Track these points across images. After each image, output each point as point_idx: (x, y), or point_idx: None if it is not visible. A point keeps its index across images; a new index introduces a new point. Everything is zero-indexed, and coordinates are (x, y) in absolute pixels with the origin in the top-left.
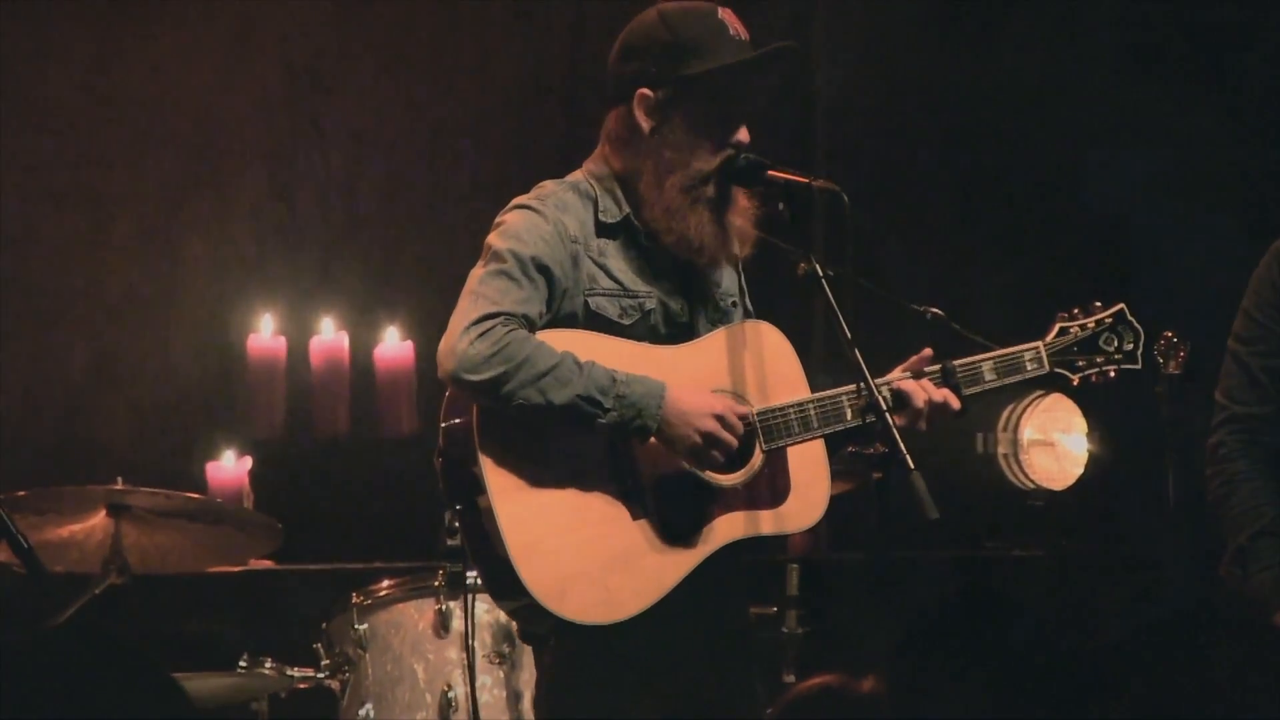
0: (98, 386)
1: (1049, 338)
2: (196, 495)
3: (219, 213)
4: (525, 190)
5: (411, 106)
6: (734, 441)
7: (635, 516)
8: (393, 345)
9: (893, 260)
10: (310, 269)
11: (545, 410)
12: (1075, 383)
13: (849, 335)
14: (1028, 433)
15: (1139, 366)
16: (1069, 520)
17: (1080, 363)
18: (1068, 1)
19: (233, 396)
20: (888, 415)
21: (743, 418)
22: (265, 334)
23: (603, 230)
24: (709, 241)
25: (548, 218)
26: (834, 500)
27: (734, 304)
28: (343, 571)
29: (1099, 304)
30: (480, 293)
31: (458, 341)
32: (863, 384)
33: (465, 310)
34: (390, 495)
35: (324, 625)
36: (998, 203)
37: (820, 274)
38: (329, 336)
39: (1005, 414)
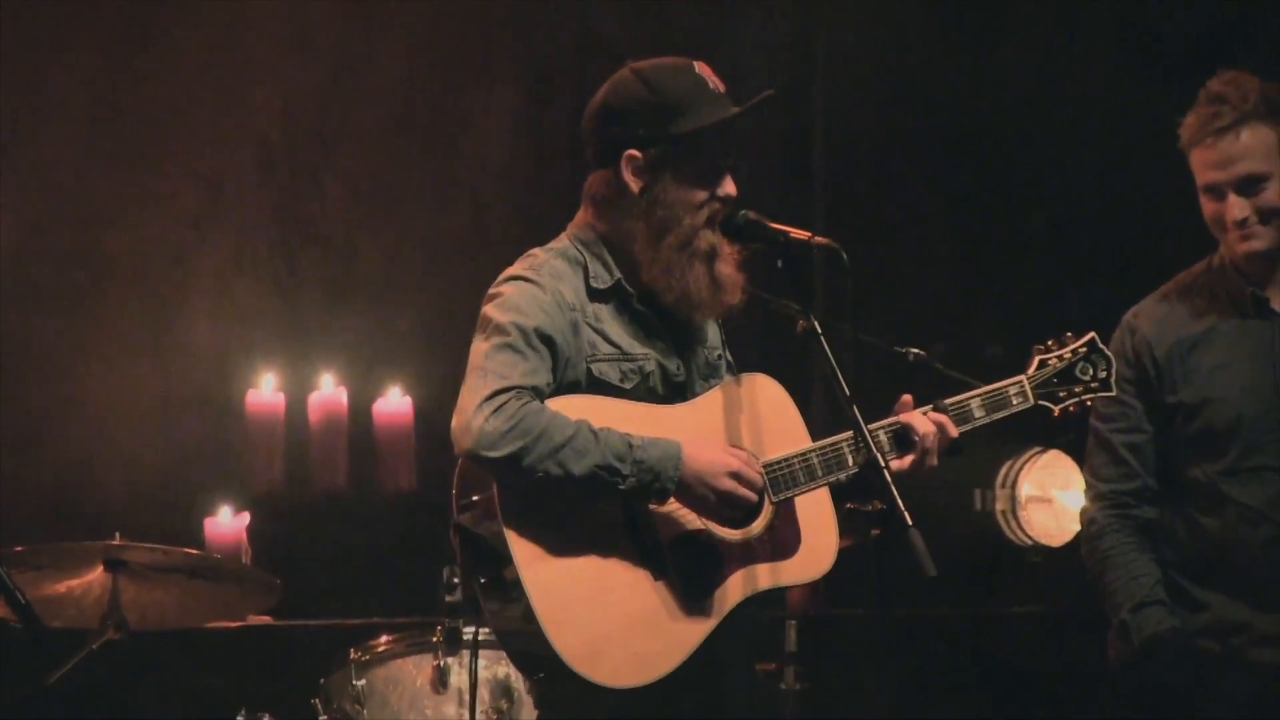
0: (96, 442)
1: (1030, 371)
2: (194, 551)
3: (218, 268)
4: (528, 245)
5: (412, 163)
6: (752, 497)
7: (656, 577)
8: (392, 401)
9: (892, 271)
10: (310, 324)
11: (565, 481)
12: (1056, 414)
13: (847, 392)
14: (1025, 489)
15: (1114, 393)
16: (1067, 577)
17: (1061, 394)
18: (1068, 3)
19: (231, 452)
20: (885, 472)
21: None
22: (265, 391)
23: (595, 296)
24: (708, 295)
25: (545, 288)
26: (860, 546)
27: (719, 357)
28: (341, 627)
29: (1070, 334)
30: (488, 368)
31: (472, 419)
32: (860, 440)
33: (475, 387)
34: (388, 551)
35: (322, 681)
36: (999, 208)
37: (819, 331)
38: (328, 391)
39: (1003, 471)
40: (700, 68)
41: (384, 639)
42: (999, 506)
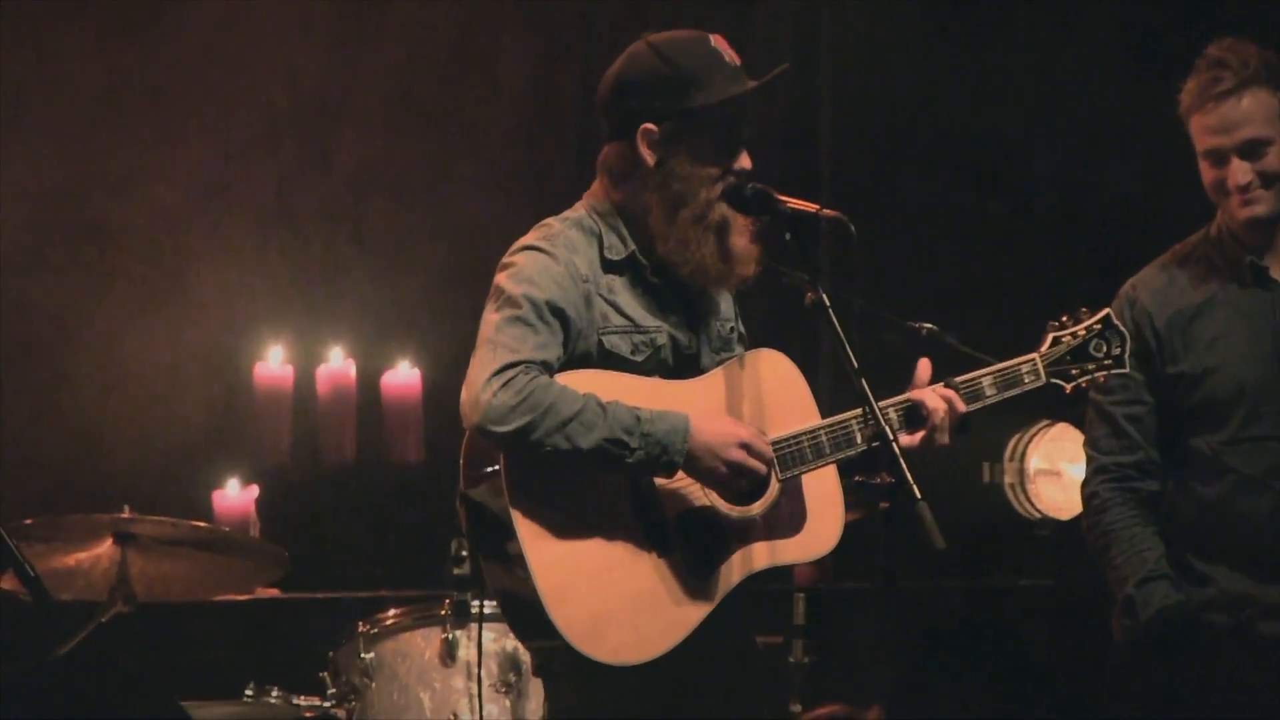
0: (104, 415)
1: (1044, 349)
2: (203, 524)
3: (226, 240)
4: (535, 219)
5: (419, 135)
6: (761, 468)
7: (660, 555)
8: (400, 374)
9: (895, 260)
10: (318, 297)
11: (573, 455)
12: (1069, 391)
13: (855, 364)
14: (1034, 462)
15: (1126, 370)
16: (1075, 550)
17: (1074, 371)
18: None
19: (239, 424)
20: (894, 445)
21: None
22: (273, 363)
23: (609, 267)
24: (723, 268)
25: (559, 259)
26: (865, 519)
27: (732, 330)
28: (349, 600)
29: (1085, 309)
30: (498, 341)
31: (481, 393)
32: (868, 413)
33: (485, 360)
34: (397, 524)
35: (330, 654)
36: (1004, 184)
37: (827, 304)
38: (336, 364)
39: (1011, 444)
40: (716, 40)
41: (392, 612)
42: (1007, 480)
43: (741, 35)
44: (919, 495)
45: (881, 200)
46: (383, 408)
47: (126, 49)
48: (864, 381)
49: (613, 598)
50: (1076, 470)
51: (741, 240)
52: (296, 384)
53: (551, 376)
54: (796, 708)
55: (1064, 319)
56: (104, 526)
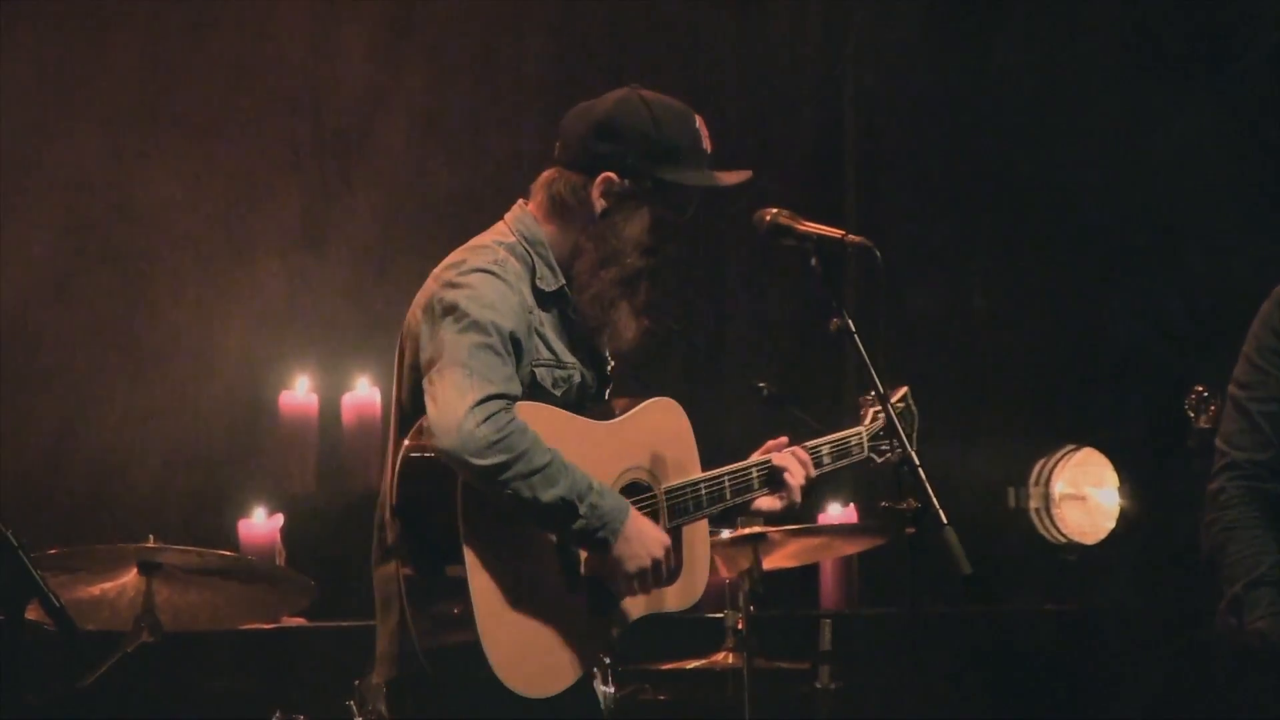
0: (129, 444)
1: (867, 423)
2: (228, 553)
3: (251, 269)
4: None
5: (443, 162)
6: (663, 573)
7: (571, 589)
8: None
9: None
10: (343, 326)
11: (529, 505)
12: (879, 464)
13: (882, 390)
14: (1059, 487)
15: (915, 449)
16: (1100, 574)
17: (884, 446)
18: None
19: (265, 453)
20: (920, 470)
21: (652, 497)
22: (299, 392)
23: (540, 299)
24: (629, 337)
25: (513, 288)
26: (867, 555)
27: (611, 369)
28: (374, 628)
29: (890, 387)
30: (474, 368)
31: (463, 420)
32: (893, 437)
33: (461, 384)
34: None
35: (356, 682)
36: (1031, 200)
37: (853, 329)
38: (362, 392)
39: (1037, 468)
40: (699, 121)
41: None
42: (1033, 504)
43: (763, 54)
44: (945, 520)
45: (908, 227)
46: None
47: (151, 78)
48: (890, 406)
49: (532, 631)
50: (1101, 494)
51: (643, 319)
52: (322, 412)
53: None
54: None
55: (869, 395)
56: (129, 556)
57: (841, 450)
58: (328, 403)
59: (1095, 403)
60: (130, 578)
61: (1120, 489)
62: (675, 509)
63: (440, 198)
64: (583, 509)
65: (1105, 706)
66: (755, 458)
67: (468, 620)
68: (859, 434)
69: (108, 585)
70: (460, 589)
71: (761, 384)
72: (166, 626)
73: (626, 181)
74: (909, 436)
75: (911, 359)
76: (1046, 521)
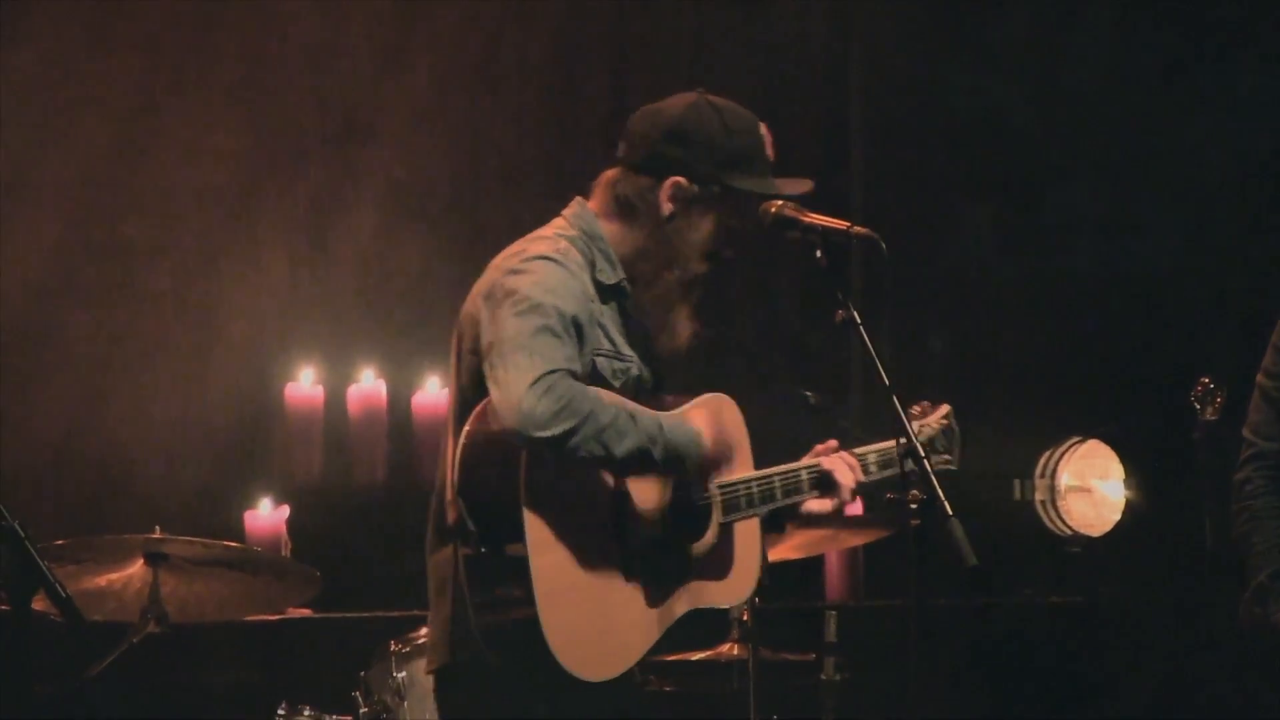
0: (135, 436)
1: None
2: (234, 544)
3: (256, 261)
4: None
5: (448, 155)
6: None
7: (628, 578)
8: (431, 393)
9: (929, 261)
10: (349, 317)
11: (606, 462)
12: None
13: (888, 382)
14: (1065, 479)
15: (956, 469)
16: (1106, 566)
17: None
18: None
19: (271, 445)
20: (926, 462)
21: (706, 491)
22: (304, 384)
23: (600, 290)
24: (684, 339)
25: (575, 275)
26: (872, 546)
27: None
28: (381, 619)
29: (928, 403)
30: (534, 349)
31: (523, 399)
32: (902, 428)
33: (522, 365)
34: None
35: (362, 673)
36: (1034, 199)
37: (859, 321)
38: (367, 384)
39: (1043, 460)
40: (764, 130)
41: (424, 631)
42: (1038, 496)
43: (768, 49)
44: (950, 512)
45: (914, 219)
46: (414, 427)
47: (157, 71)
48: (895, 397)
49: (590, 615)
50: (1107, 486)
51: (697, 321)
52: (328, 404)
53: None
54: None
55: (915, 409)
56: (135, 547)
57: (887, 460)
58: (333, 394)
59: (1101, 395)
60: (136, 569)
61: (1126, 481)
62: (728, 505)
63: (446, 191)
64: (657, 452)
65: (1111, 699)
66: (805, 461)
67: (528, 599)
68: (901, 445)
69: (114, 576)
70: (521, 568)
71: (808, 392)
72: (172, 617)
73: (695, 187)
74: (953, 456)
75: (916, 351)
76: (1052, 514)
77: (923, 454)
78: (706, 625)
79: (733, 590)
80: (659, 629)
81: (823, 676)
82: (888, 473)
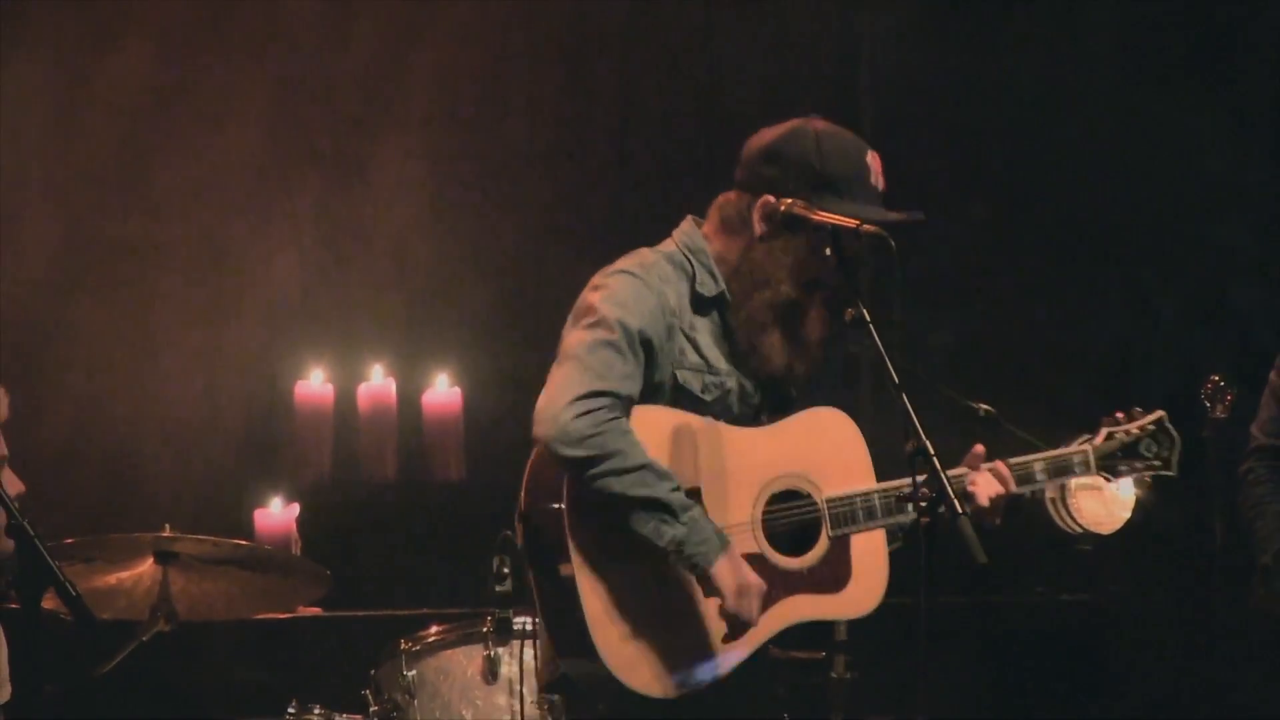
0: (145, 434)
1: (1098, 441)
2: (244, 542)
3: (266, 259)
4: (571, 238)
5: (458, 154)
6: (752, 618)
7: (707, 594)
8: (441, 391)
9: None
10: (358, 316)
11: (620, 501)
12: (1111, 482)
13: (897, 380)
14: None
15: (1174, 474)
16: (1116, 565)
17: (1122, 467)
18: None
19: (281, 443)
20: (935, 460)
21: (811, 504)
22: (314, 382)
23: (698, 304)
24: (779, 363)
25: (652, 289)
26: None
27: (795, 395)
28: (391, 618)
29: (1139, 410)
30: (588, 364)
31: (561, 412)
32: (910, 429)
33: (572, 378)
34: (438, 541)
35: (372, 672)
36: (1041, 200)
37: (868, 319)
38: (377, 382)
39: (1078, 442)
40: (872, 158)
41: (434, 629)
42: (1048, 494)
43: (777, 51)
44: (960, 510)
45: (921, 205)
46: (423, 425)
47: (166, 69)
48: (905, 397)
49: (652, 633)
50: (1118, 485)
51: (812, 334)
52: (337, 402)
53: (628, 412)
54: None
55: (1119, 415)
56: (145, 545)
57: (1060, 466)
58: (343, 393)
59: (1111, 392)
60: (146, 567)
61: (1137, 479)
62: (839, 517)
63: (456, 189)
64: (683, 518)
65: (1120, 697)
66: (951, 472)
67: (581, 620)
68: (1084, 451)
69: (124, 575)
70: (571, 588)
71: (980, 405)
72: (182, 616)
73: (785, 206)
74: (1168, 461)
75: (926, 348)
76: (1062, 512)
77: (931, 452)
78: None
79: (851, 603)
80: (753, 641)
81: (833, 674)
82: (1063, 479)
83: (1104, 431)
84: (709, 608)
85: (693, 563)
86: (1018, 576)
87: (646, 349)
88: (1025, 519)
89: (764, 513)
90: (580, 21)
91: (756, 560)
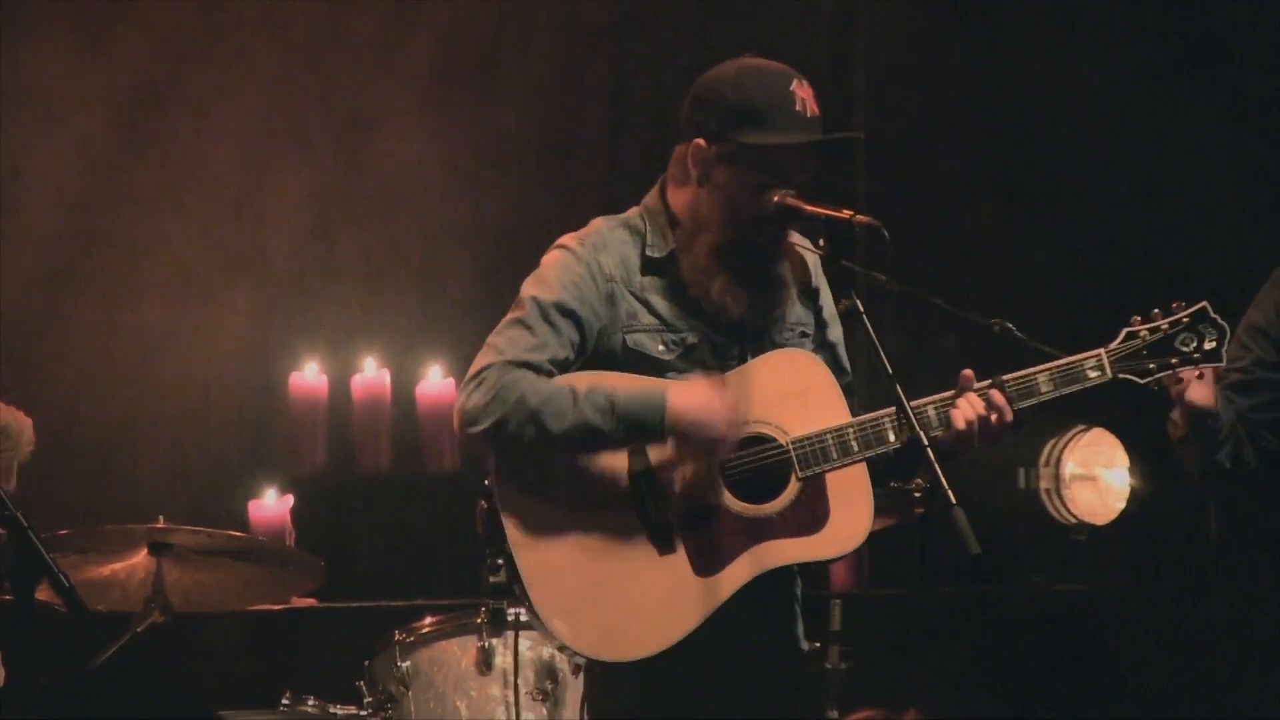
0: (139, 426)
1: (1113, 344)
2: (238, 533)
3: (259, 251)
4: (565, 225)
5: (452, 144)
6: (731, 443)
7: (662, 553)
8: (434, 382)
9: (933, 247)
10: (352, 307)
11: (549, 443)
12: (1144, 384)
13: (890, 370)
14: (1070, 467)
15: (1222, 364)
16: (1111, 555)
17: (1151, 365)
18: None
19: (275, 435)
20: (929, 451)
21: (776, 447)
22: (308, 373)
23: (649, 266)
24: (736, 308)
25: (580, 258)
26: (876, 535)
27: (803, 334)
28: (385, 609)
29: (1180, 303)
30: (492, 344)
31: (459, 399)
32: (903, 418)
33: (474, 364)
34: (432, 532)
35: (367, 663)
36: (1039, 187)
37: (861, 309)
38: (371, 374)
39: (1047, 449)
40: (798, 85)
41: (428, 620)
42: (1043, 485)
43: (777, 44)
44: (954, 501)
45: (918, 211)
46: (417, 416)
47: (158, 61)
48: (898, 387)
49: (614, 606)
50: (1112, 475)
51: (767, 268)
52: (331, 394)
53: (547, 376)
54: (833, 713)
55: (1154, 312)
56: (139, 537)
57: (1069, 375)
58: (337, 384)
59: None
60: (140, 558)
61: (1131, 469)
62: (807, 458)
63: (448, 181)
64: (608, 424)
65: (1115, 687)
66: (937, 398)
67: (526, 595)
68: (1096, 355)
69: (118, 566)
70: (513, 565)
71: (993, 321)
72: (176, 607)
73: (711, 147)
74: (1215, 352)
75: (920, 338)
76: (1057, 502)
77: (925, 442)
78: None
79: (833, 541)
80: (720, 593)
81: (827, 665)
82: (1072, 388)
83: (1123, 332)
84: (670, 563)
85: (648, 438)
86: (1012, 567)
87: (571, 317)
88: (1020, 510)
89: (709, 466)
90: (571, 18)
91: (715, 512)
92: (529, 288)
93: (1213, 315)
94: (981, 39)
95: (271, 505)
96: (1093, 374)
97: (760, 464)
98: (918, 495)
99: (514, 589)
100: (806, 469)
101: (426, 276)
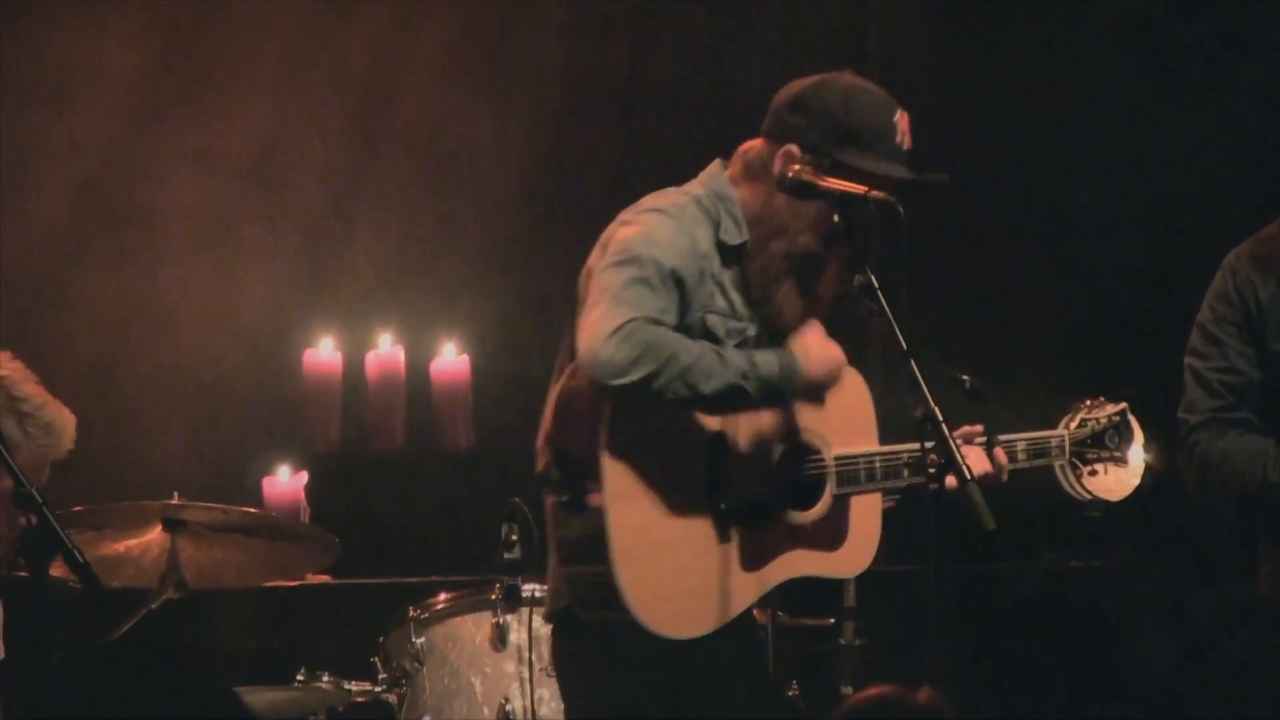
0: (153, 402)
1: (1073, 428)
2: (253, 510)
3: (273, 228)
4: (580, 203)
5: (467, 121)
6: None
7: (721, 540)
8: (449, 359)
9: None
10: (367, 283)
11: (694, 400)
12: (1081, 473)
13: (904, 347)
14: None
15: (1129, 465)
16: (1126, 531)
17: (1089, 455)
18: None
19: (289, 411)
20: (944, 426)
21: (820, 461)
22: (323, 350)
23: (722, 250)
24: (791, 316)
25: (685, 230)
26: (890, 511)
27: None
28: (399, 585)
29: (1103, 398)
30: (622, 298)
31: (602, 348)
32: (919, 393)
33: (607, 315)
34: (447, 509)
35: (381, 639)
36: (1046, 184)
37: (876, 285)
38: (385, 350)
39: (1062, 425)
40: (900, 117)
41: (443, 597)
42: (1058, 461)
43: (787, 47)
44: (969, 476)
45: (928, 209)
46: (432, 393)
47: (171, 38)
48: (913, 363)
49: (674, 572)
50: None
51: (826, 291)
52: (346, 370)
53: None
54: (848, 689)
55: (1088, 402)
56: (154, 513)
57: (1039, 449)
58: (352, 360)
59: (1121, 358)
60: (155, 535)
61: (1146, 445)
62: (844, 476)
63: (463, 158)
64: (751, 386)
65: (1130, 663)
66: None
67: (604, 551)
68: (1060, 437)
69: (133, 542)
70: (598, 520)
71: (965, 376)
72: (191, 584)
73: (806, 156)
74: (1123, 457)
75: (935, 315)
76: (1071, 478)
77: (940, 419)
78: None
79: (843, 563)
80: (754, 593)
81: (841, 641)
82: (1038, 463)
83: (1078, 419)
84: (724, 551)
85: (788, 389)
86: (1026, 543)
87: (680, 288)
88: (1034, 486)
89: (777, 467)
90: (585, 6)
91: (768, 510)
92: (644, 246)
93: (1129, 418)
94: (993, 47)
95: (286, 482)
96: (1055, 453)
97: (807, 474)
98: (931, 470)
99: (567, 534)
100: (841, 487)
101: (441, 253)
